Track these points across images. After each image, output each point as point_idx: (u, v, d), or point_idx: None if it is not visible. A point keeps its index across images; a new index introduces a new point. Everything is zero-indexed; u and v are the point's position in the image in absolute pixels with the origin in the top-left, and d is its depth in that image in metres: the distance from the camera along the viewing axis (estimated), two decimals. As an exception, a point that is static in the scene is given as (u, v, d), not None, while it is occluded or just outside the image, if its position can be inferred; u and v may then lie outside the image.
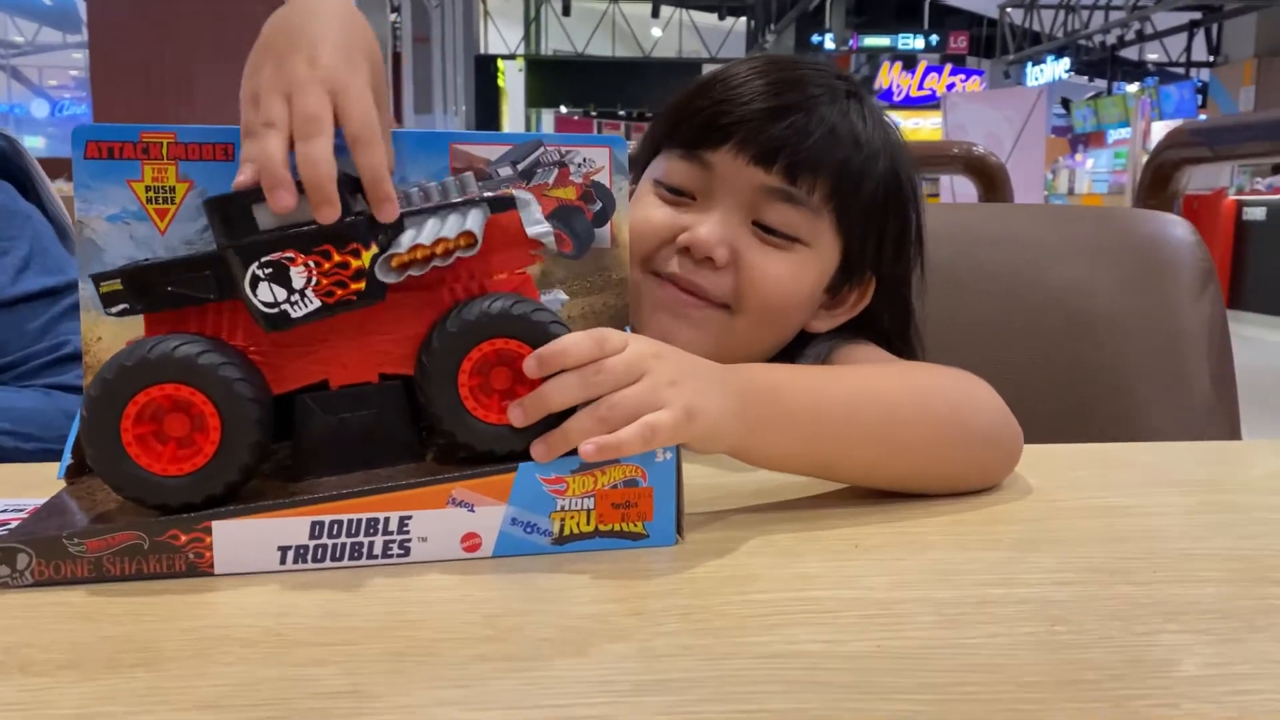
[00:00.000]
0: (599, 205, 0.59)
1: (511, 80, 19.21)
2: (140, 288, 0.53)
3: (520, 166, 0.58)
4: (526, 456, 0.54)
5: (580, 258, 0.60)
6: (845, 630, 0.46)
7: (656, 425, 0.53)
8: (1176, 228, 1.06)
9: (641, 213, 0.78)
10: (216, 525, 0.51)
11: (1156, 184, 1.29)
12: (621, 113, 21.50)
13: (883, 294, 0.81)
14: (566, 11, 19.18)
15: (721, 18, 21.34)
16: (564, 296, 0.59)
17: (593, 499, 0.54)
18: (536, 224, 0.57)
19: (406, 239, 0.54)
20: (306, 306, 0.52)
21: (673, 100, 0.81)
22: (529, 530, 0.53)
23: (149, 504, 0.52)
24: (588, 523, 0.54)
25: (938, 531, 0.59)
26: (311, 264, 0.52)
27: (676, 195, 0.77)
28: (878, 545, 0.57)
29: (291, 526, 0.52)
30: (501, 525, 0.53)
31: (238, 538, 0.51)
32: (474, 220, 0.55)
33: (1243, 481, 0.72)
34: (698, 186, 0.77)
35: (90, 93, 4.65)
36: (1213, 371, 0.99)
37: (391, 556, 0.53)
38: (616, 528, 0.55)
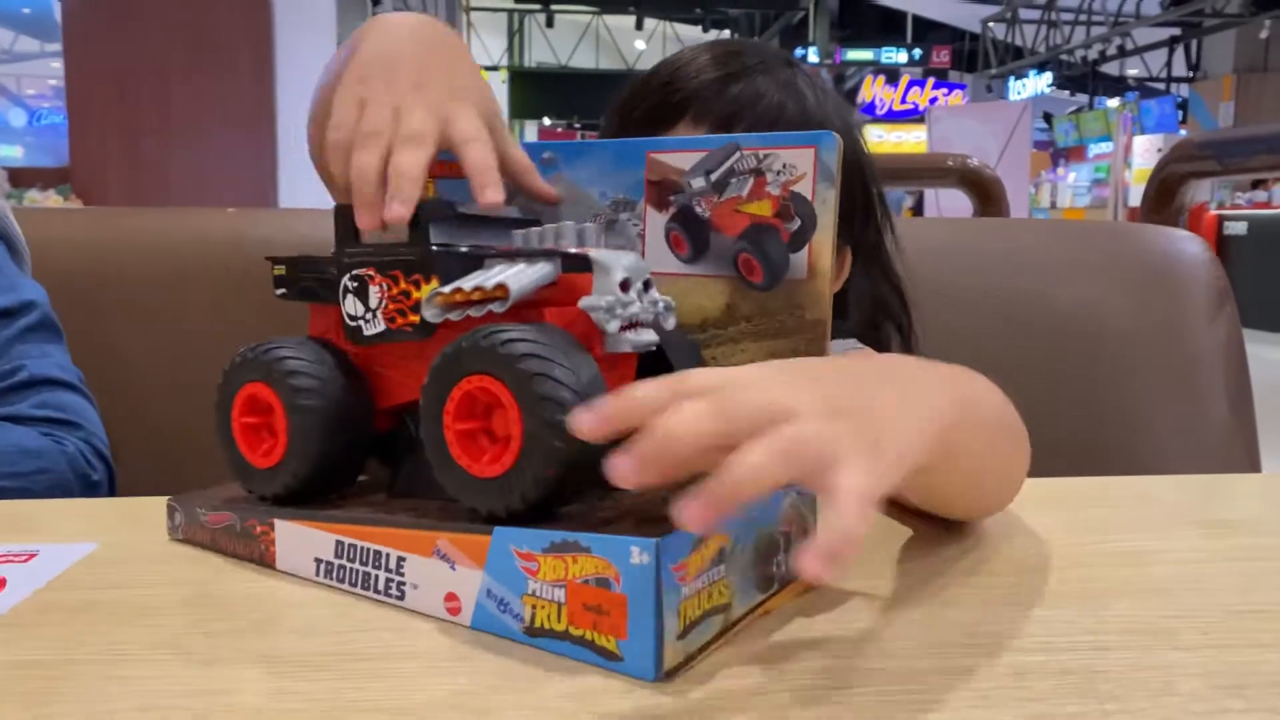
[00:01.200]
0: (797, 224, 0.51)
1: (495, 91, 19.17)
2: (293, 276, 0.57)
3: (713, 177, 0.53)
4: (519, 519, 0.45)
5: (771, 289, 0.52)
6: (863, 712, 0.40)
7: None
8: (1189, 244, 1.01)
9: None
10: (278, 523, 0.53)
11: (1162, 197, 1.24)
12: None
13: (860, 263, 0.81)
14: (550, 23, 19.19)
15: (705, 30, 21.38)
16: (664, 300, 0.50)
17: (564, 590, 0.43)
18: (603, 295, 0.47)
19: (465, 280, 0.49)
20: (375, 327, 0.53)
21: (620, 96, 0.81)
22: (503, 608, 0.45)
23: (247, 490, 0.56)
24: (559, 619, 0.43)
25: (959, 584, 0.53)
26: (384, 286, 0.52)
27: None
28: (892, 600, 0.51)
29: (323, 540, 0.51)
30: (479, 594, 0.46)
31: (290, 539, 0.53)
32: (536, 273, 0.48)
33: (1275, 523, 0.66)
34: None
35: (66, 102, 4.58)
36: (1230, 396, 0.94)
37: (390, 596, 0.49)
38: (588, 635, 0.43)
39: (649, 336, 0.48)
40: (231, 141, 4.23)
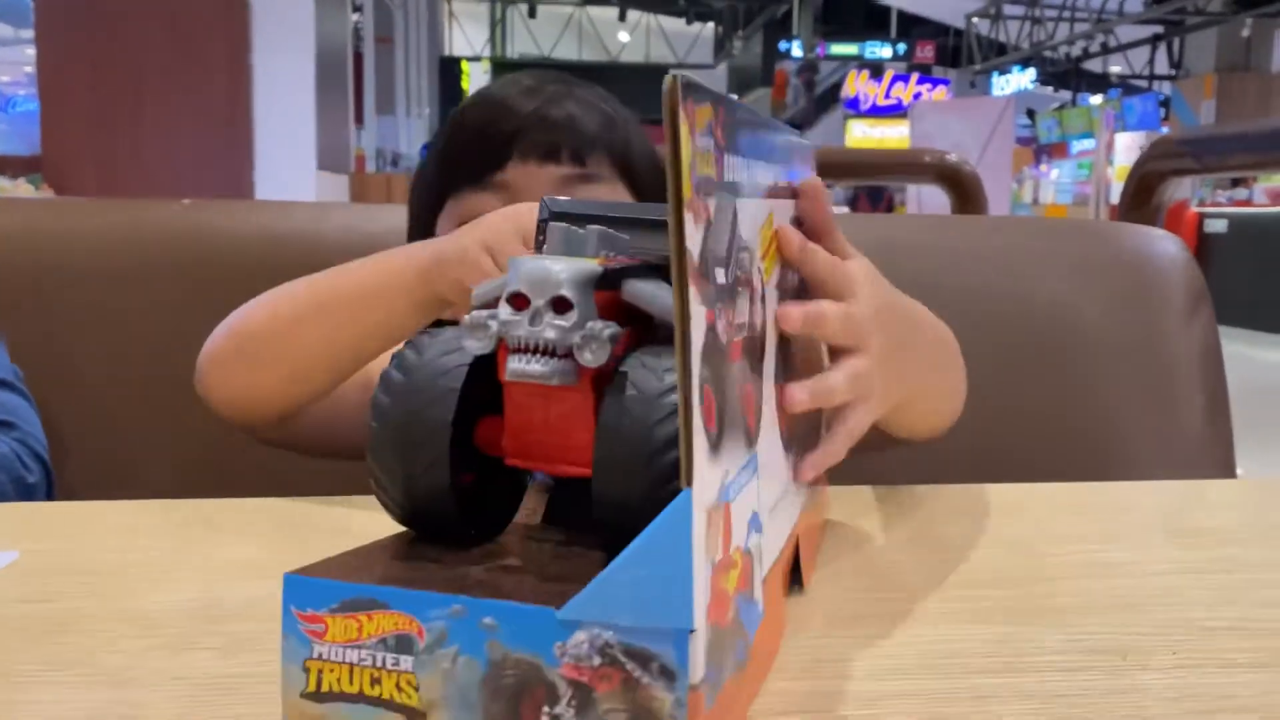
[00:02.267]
0: None
1: (476, 83, 19.07)
2: None
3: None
4: None
5: None
6: (815, 739, 0.37)
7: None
8: (1166, 244, 0.99)
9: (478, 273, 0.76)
10: None
11: (1140, 195, 1.22)
12: (588, 118, 21.34)
13: None
14: (533, 14, 19.11)
15: (689, 23, 21.34)
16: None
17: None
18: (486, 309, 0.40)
19: None
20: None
21: (435, 151, 0.84)
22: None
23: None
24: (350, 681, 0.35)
25: (921, 597, 0.51)
26: None
27: None
28: (853, 617, 0.49)
29: None
30: None
31: None
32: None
33: (1249, 532, 0.64)
34: (504, 204, 0.76)
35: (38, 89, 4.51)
36: (1206, 400, 0.92)
37: None
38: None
39: (537, 368, 0.38)
40: (206, 134, 4.18)
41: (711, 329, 0.32)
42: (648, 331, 0.41)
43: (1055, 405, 0.96)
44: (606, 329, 0.38)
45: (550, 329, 0.38)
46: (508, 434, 0.41)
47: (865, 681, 0.42)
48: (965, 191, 1.55)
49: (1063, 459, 0.93)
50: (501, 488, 0.43)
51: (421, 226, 0.85)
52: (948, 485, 0.70)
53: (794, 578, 0.49)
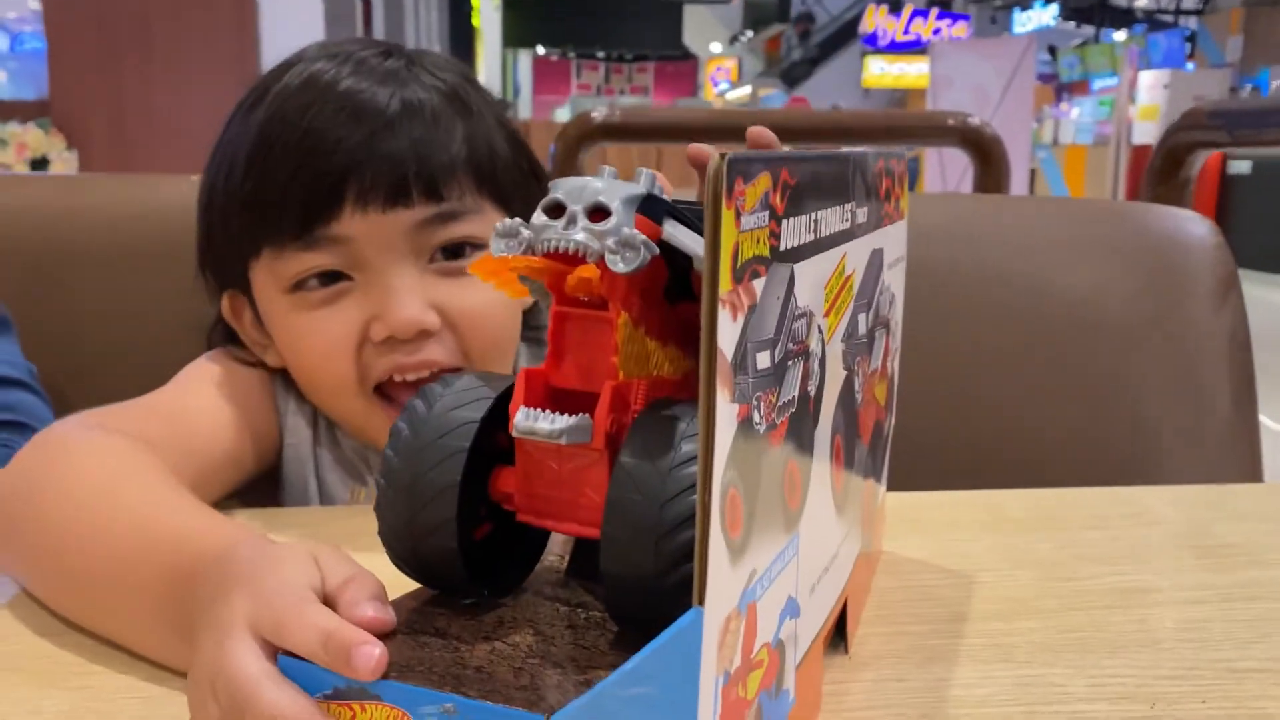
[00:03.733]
0: None
1: (487, 19, 18.81)
2: None
3: None
4: None
5: None
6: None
7: None
8: (1196, 226, 0.97)
9: (309, 340, 0.65)
10: None
11: (1168, 168, 1.19)
12: (600, 54, 21.10)
13: None
14: (545, -53, 18.78)
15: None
16: None
17: None
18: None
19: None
20: None
21: (233, 186, 0.65)
22: None
23: None
24: None
25: (942, 634, 0.50)
26: None
27: (330, 283, 0.64)
28: (871, 656, 0.48)
29: None
30: None
31: None
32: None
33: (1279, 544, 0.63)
34: (344, 264, 0.64)
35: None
36: (1234, 390, 0.90)
37: None
38: None
39: (545, 426, 0.36)
40: (214, 76, 4.12)
41: (746, 422, 0.30)
42: (678, 284, 0.39)
43: (1079, 392, 0.94)
44: (641, 237, 0.35)
45: (582, 233, 0.35)
46: (518, 489, 0.39)
47: (887, 735, 0.42)
48: (988, 155, 1.52)
49: (1087, 447, 0.92)
50: (522, 536, 0.42)
51: (223, 271, 0.69)
52: (971, 492, 0.69)
53: (838, 630, 0.47)
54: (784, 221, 0.33)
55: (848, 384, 0.43)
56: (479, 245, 0.66)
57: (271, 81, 0.66)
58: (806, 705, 0.40)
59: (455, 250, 0.66)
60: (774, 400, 0.33)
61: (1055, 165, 9.89)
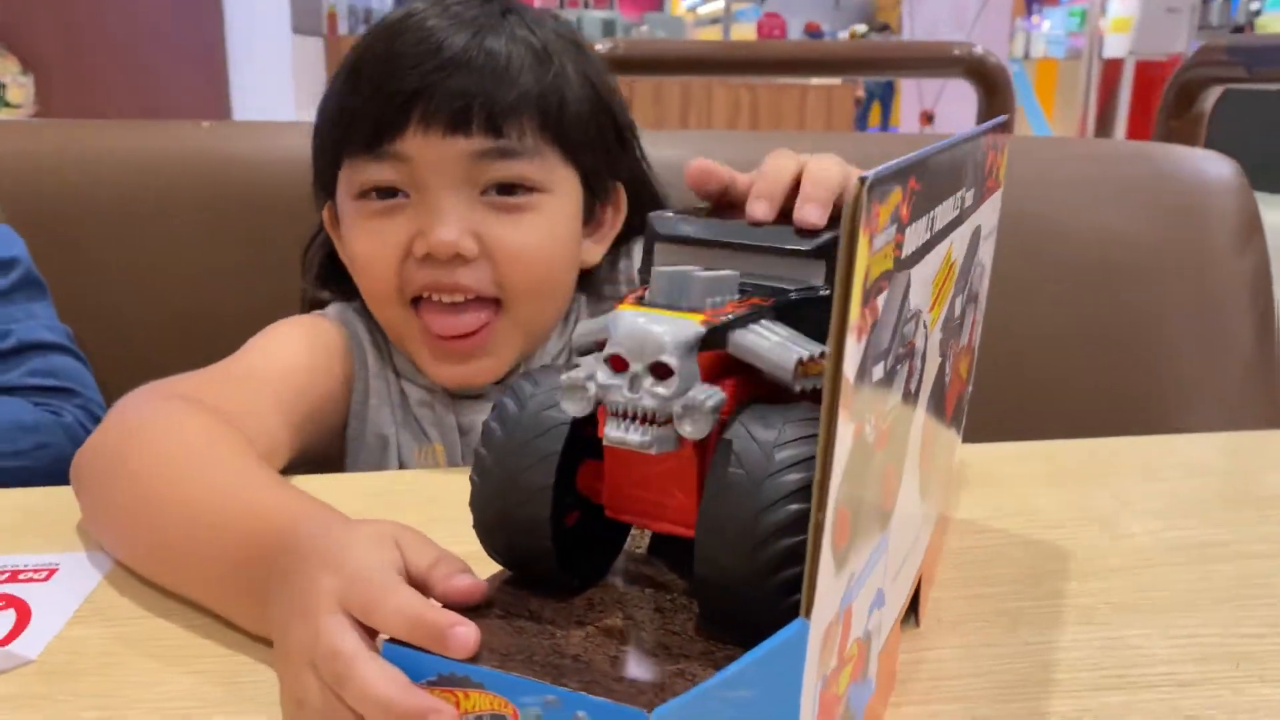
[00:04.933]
0: None
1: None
2: None
3: None
4: None
5: None
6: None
7: None
8: (1218, 166, 0.97)
9: (362, 244, 0.70)
10: None
11: (1181, 103, 1.20)
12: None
13: (631, 193, 0.77)
14: None
15: None
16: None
17: None
18: (586, 368, 0.37)
19: None
20: None
21: (329, 102, 0.72)
22: None
23: None
24: None
25: (1020, 595, 0.52)
26: None
27: (387, 198, 0.69)
28: (957, 620, 0.49)
29: None
30: None
31: None
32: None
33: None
34: (403, 181, 0.68)
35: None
36: (1256, 331, 0.92)
37: None
38: None
39: (636, 438, 0.36)
40: (168, 7, 3.99)
41: (859, 438, 0.31)
42: (755, 379, 0.39)
43: (1100, 334, 0.95)
44: (709, 398, 0.36)
45: (649, 397, 0.36)
46: (606, 488, 0.40)
47: (983, 704, 0.43)
48: (994, 87, 1.51)
49: (1110, 394, 0.93)
50: (609, 522, 0.42)
51: (324, 181, 0.75)
52: (1029, 444, 0.70)
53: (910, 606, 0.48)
54: (907, 229, 0.32)
55: (940, 369, 0.44)
56: (532, 187, 0.69)
57: (382, 19, 0.73)
58: (883, 684, 0.41)
59: (509, 188, 0.68)
60: (883, 409, 0.33)
61: (1026, 80, 9.80)
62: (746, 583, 0.35)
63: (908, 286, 0.34)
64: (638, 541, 0.45)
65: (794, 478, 0.35)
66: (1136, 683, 0.45)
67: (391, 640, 0.36)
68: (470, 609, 0.38)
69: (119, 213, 0.99)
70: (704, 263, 0.42)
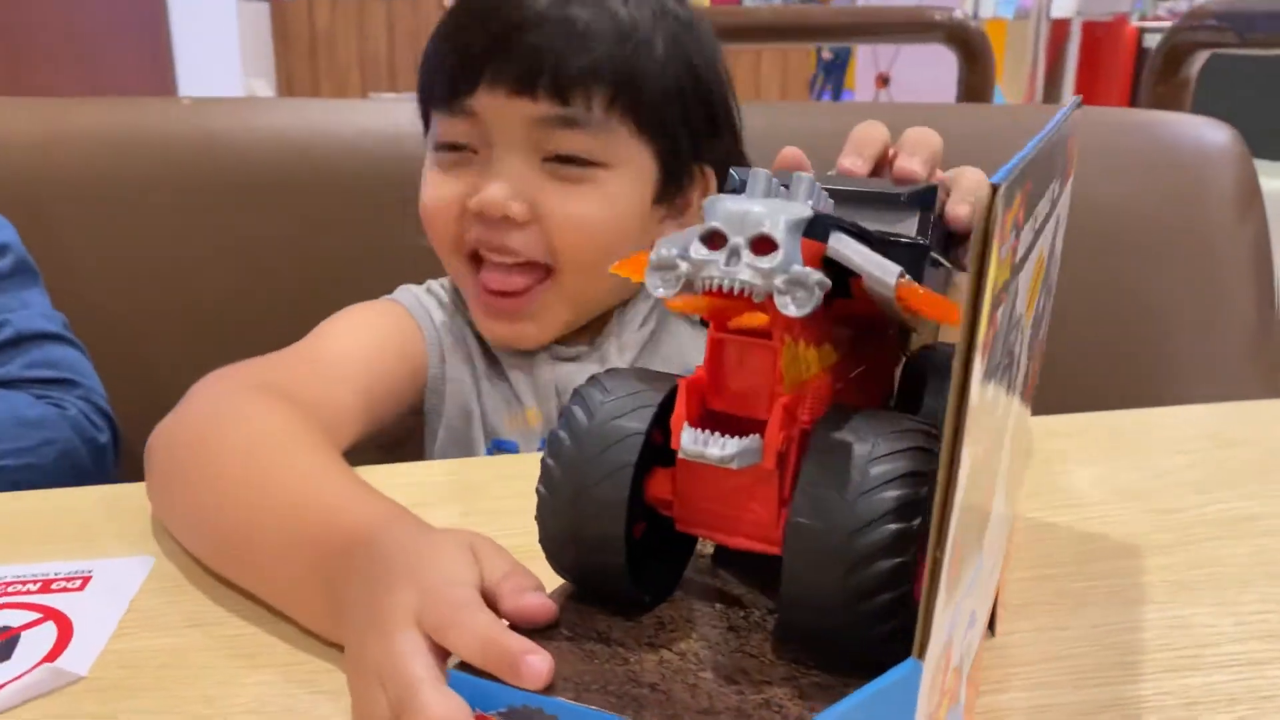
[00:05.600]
0: None
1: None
2: None
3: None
4: None
5: None
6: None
7: None
8: (1216, 133, 0.98)
9: (428, 193, 0.72)
10: None
11: (1169, 67, 1.20)
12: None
13: (723, 179, 0.75)
14: None
15: None
16: None
17: None
18: (673, 244, 0.34)
19: None
20: None
21: (425, 52, 0.72)
22: None
23: None
24: None
25: (1079, 576, 0.52)
26: None
27: (456, 152, 0.70)
28: (1023, 603, 0.49)
29: None
30: None
31: None
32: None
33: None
34: (471, 138, 0.69)
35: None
36: (1257, 299, 0.93)
37: None
38: None
39: (715, 452, 0.34)
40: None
41: (973, 462, 0.28)
42: (843, 296, 0.36)
43: (1101, 303, 0.96)
44: (814, 275, 0.32)
45: (747, 270, 0.32)
46: (677, 501, 0.38)
47: (1063, 691, 0.43)
48: (975, 53, 1.51)
49: (1112, 362, 0.94)
50: (677, 536, 0.39)
51: (427, 127, 0.75)
52: (1056, 417, 0.70)
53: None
54: (1021, 234, 0.31)
55: (1025, 370, 0.42)
56: (594, 161, 0.68)
57: None
58: (970, 696, 0.39)
59: (569, 159, 0.68)
60: (989, 423, 0.31)
61: (976, 41, 9.87)
62: (838, 606, 0.33)
63: (1017, 294, 0.32)
64: (702, 550, 0.44)
65: (891, 494, 0.33)
66: (1210, 663, 0.45)
67: (463, 666, 0.35)
68: (537, 629, 0.37)
69: (96, 195, 0.95)
70: None
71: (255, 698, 0.43)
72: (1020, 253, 0.32)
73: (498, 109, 0.67)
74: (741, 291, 0.32)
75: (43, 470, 0.66)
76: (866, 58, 6.50)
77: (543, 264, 0.69)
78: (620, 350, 0.73)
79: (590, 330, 0.74)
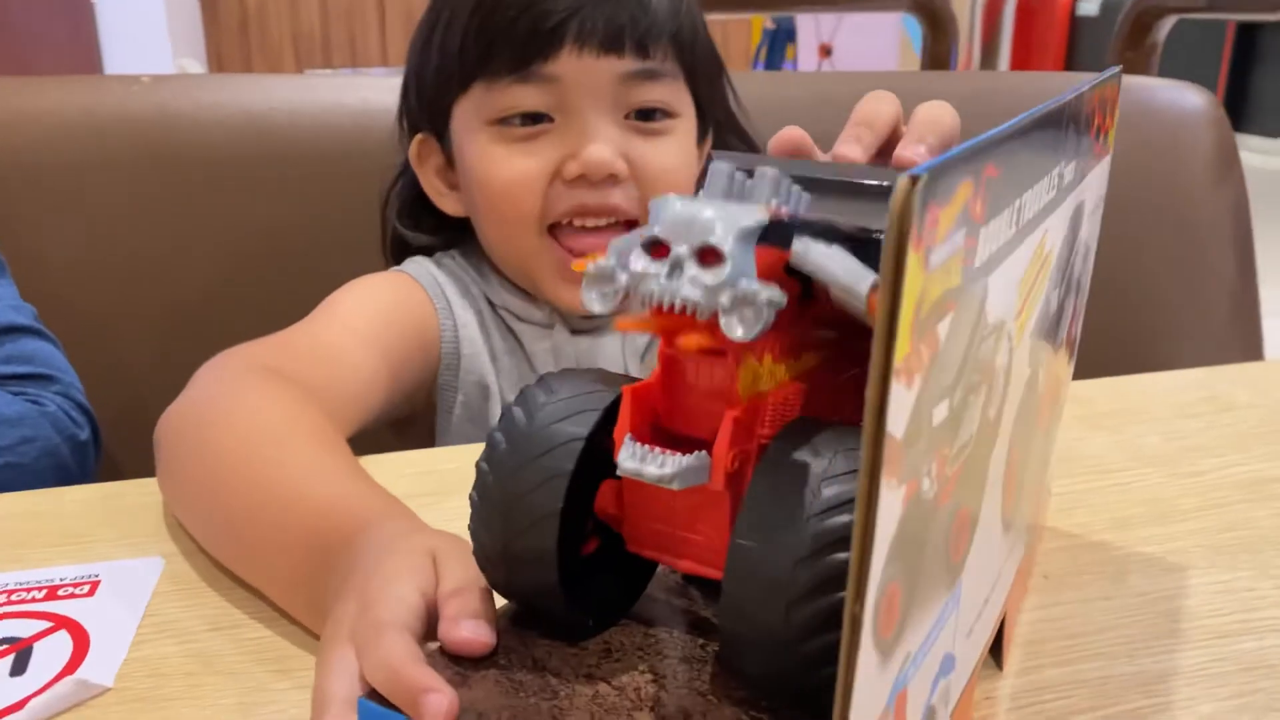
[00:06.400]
0: None
1: None
2: None
3: None
4: None
5: None
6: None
7: None
8: (1194, 97, 0.98)
9: (503, 169, 0.69)
10: None
11: (1136, 33, 1.21)
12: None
13: (718, 134, 0.78)
14: None
15: None
16: None
17: None
18: (616, 250, 0.31)
19: None
20: None
21: (446, 32, 0.70)
22: None
23: None
24: None
25: (1112, 544, 0.51)
26: None
27: (533, 124, 0.69)
28: (1064, 573, 0.49)
29: None
30: None
31: None
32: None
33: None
34: (550, 105, 0.68)
35: None
36: (1238, 264, 0.94)
37: None
38: None
39: (653, 470, 0.30)
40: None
41: (914, 498, 0.24)
42: (810, 302, 0.32)
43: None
44: (765, 291, 0.28)
45: (690, 285, 0.29)
46: (626, 520, 0.34)
47: (1119, 661, 0.43)
48: (938, 20, 1.51)
49: (1091, 325, 0.94)
50: (633, 556, 0.35)
51: (429, 115, 0.72)
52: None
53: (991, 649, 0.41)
54: (983, 230, 0.26)
55: (1031, 381, 0.37)
56: (670, 113, 0.70)
57: None
58: None
59: (648, 114, 0.70)
60: (949, 452, 0.27)
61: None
62: (780, 644, 0.29)
63: (984, 299, 0.27)
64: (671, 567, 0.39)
65: (844, 519, 0.28)
66: (1260, 627, 0.45)
67: (374, 693, 0.32)
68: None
69: (53, 178, 0.91)
70: None
71: (294, 703, 0.41)
72: (985, 253, 0.26)
73: (585, 70, 0.67)
74: (684, 309, 0.29)
75: (24, 470, 0.63)
76: (808, 28, 6.50)
77: (633, 220, 0.69)
78: None
79: None
